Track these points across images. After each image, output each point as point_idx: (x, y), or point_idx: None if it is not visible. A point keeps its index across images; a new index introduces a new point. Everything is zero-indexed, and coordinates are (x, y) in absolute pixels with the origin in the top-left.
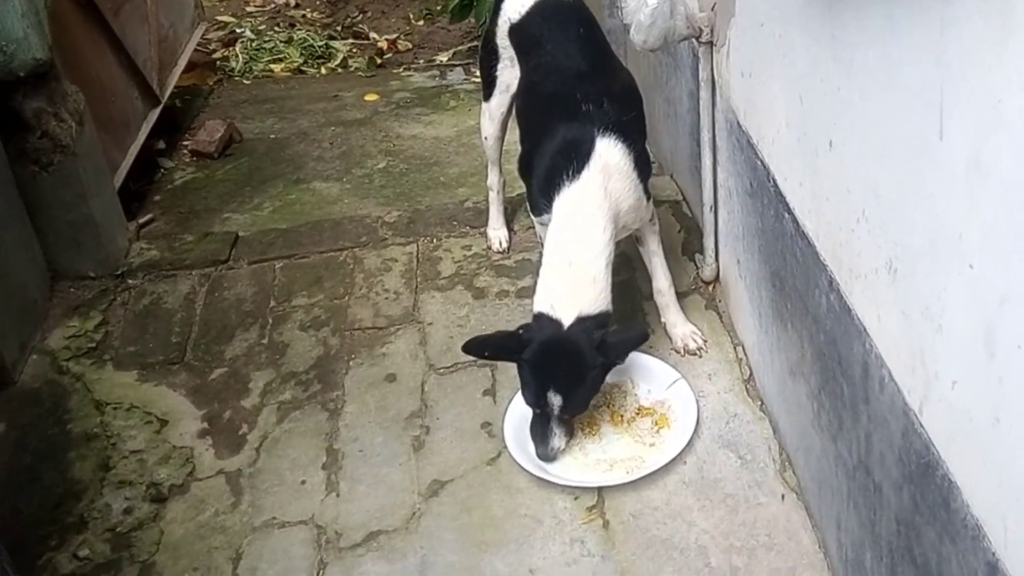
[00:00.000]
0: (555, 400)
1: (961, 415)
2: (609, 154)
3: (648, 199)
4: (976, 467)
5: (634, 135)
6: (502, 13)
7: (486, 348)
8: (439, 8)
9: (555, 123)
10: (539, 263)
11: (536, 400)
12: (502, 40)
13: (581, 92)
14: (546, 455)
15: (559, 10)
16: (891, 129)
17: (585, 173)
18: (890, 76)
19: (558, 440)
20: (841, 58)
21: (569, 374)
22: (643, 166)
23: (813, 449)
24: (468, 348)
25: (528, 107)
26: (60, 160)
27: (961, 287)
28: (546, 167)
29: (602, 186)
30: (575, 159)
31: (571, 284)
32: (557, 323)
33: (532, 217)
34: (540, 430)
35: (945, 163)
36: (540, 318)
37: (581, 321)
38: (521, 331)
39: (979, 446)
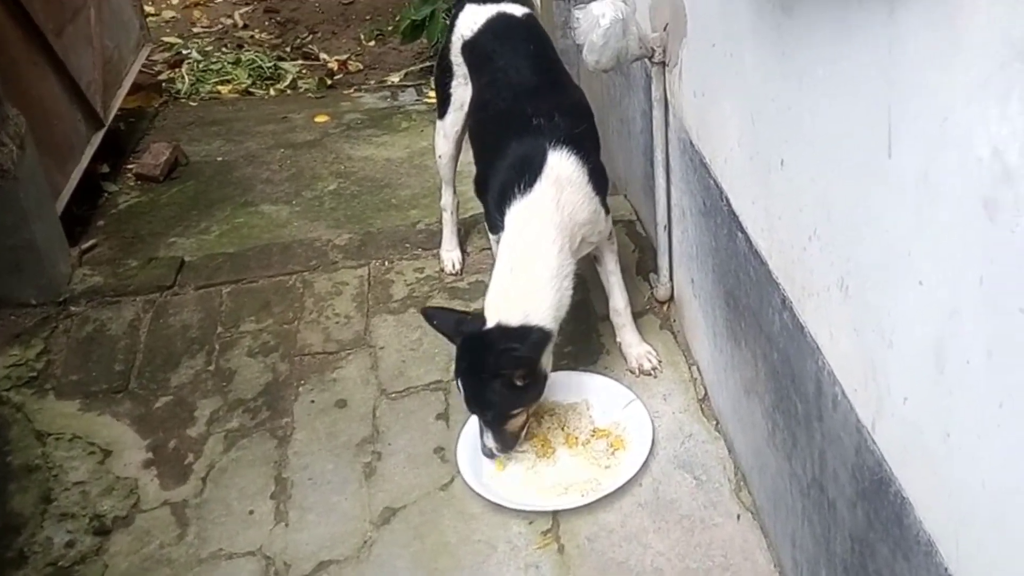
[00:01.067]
0: (460, 392)
1: (912, 430)
2: (561, 166)
3: (606, 213)
4: (928, 482)
5: (587, 148)
6: (456, 30)
7: (437, 318)
8: (390, 29)
9: (507, 139)
10: None
11: (456, 386)
12: (456, 57)
13: (532, 107)
14: (483, 450)
15: (510, 27)
16: (841, 147)
17: (537, 186)
18: (840, 93)
19: (488, 440)
20: (791, 76)
21: (469, 372)
22: (598, 179)
23: (768, 468)
24: (425, 311)
25: (481, 124)
26: (0, 185)
27: (911, 303)
28: (500, 182)
29: (554, 199)
30: (527, 172)
31: (508, 292)
32: (482, 322)
33: (489, 236)
34: (479, 428)
35: (894, 180)
36: (479, 313)
37: (499, 328)
38: (469, 317)
39: (930, 461)
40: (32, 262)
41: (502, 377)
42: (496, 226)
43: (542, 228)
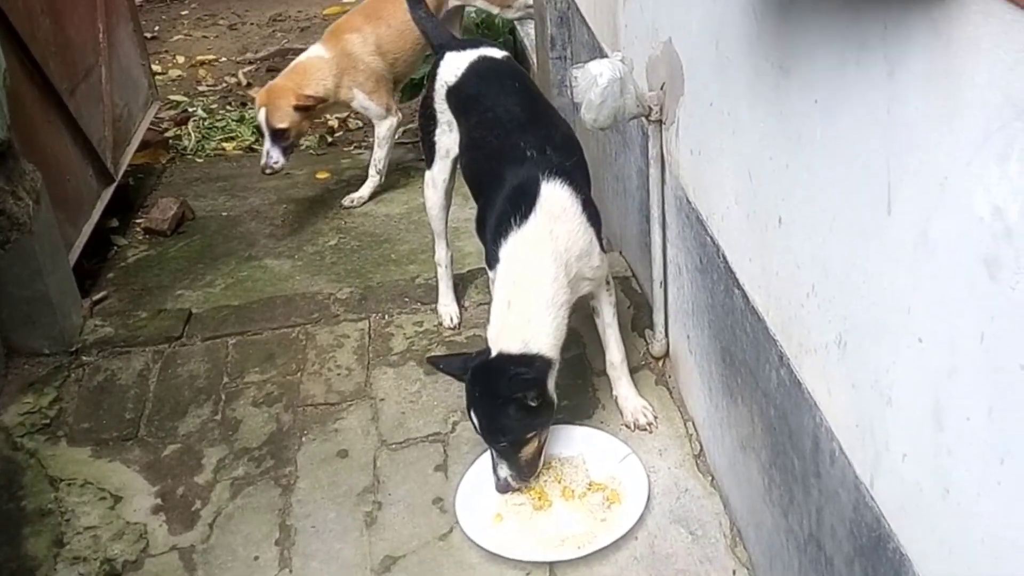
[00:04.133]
0: (475, 423)
1: (912, 487)
2: (555, 197)
3: (602, 251)
4: (927, 539)
5: (579, 180)
6: (439, 78)
7: (441, 363)
8: None
9: (501, 174)
10: None
11: (470, 420)
12: (440, 104)
13: (523, 141)
14: (496, 484)
15: (493, 68)
16: (839, 205)
17: (532, 217)
18: (838, 152)
19: (503, 470)
20: (789, 135)
21: (482, 401)
22: (591, 211)
23: (764, 523)
24: (431, 359)
25: (474, 163)
26: (17, 238)
27: (910, 360)
28: (496, 216)
29: (548, 229)
30: (522, 204)
31: (506, 321)
32: (487, 353)
33: (490, 275)
34: (492, 460)
35: (894, 238)
36: (483, 348)
37: (502, 357)
38: (472, 355)
39: (930, 518)
40: (45, 313)
41: (515, 400)
42: (493, 259)
43: (538, 258)
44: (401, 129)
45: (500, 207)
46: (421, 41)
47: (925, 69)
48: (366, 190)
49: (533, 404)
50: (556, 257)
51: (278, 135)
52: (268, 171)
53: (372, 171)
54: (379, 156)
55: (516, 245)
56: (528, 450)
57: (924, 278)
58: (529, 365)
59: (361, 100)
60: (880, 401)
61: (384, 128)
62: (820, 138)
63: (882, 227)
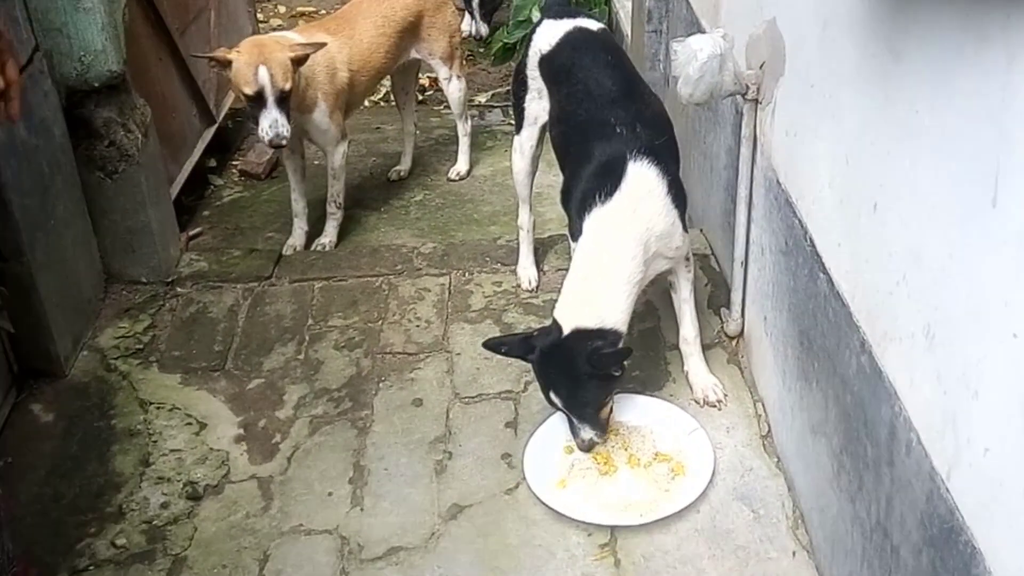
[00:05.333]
0: (558, 401)
1: (992, 482)
2: (641, 176)
3: (684, 231)
4: (1004, 534)
5: (667, 159)
6: (534, 44)
7: (504, 346)
8: (481, 51)
9: (589, 148)
10: None
11: (546, 399)
12: (532, 71)
13: (614, 117)
14: (582, 445)
15: (587, 40)
16: (941, 194)
17: (617, 194)
18: (945, 141)
19: (586, 432)
20: (893, 122)
21: (562, 379)
22: (677, 191)
23: (829, 508)
24: (488, 343)
25: (563, 135)
26: (124, 169)
27: (1003, 355)
28: (581, 190)
29: (632, 208)
30: (608, 181)
31: (581, 298)
32: (559, 330)
33: (571, 243)
34: (571, 427)
35: (996, 231)
36: (552, 324)
37: (577, 333)
38: (535, 334)
39: (1008, 513)
40: (146, 244)
41: (596, 376)
42: (576, 233)
43: (619, 236)
44: (491, 93)
45: (586, 182)
46: (385, 66)
47: None
48: (332, 231)
49: (616, 374)
50: (637, 236)
51: (284, 99)
52: (281, 143)
53: (332, 207)
54: (338, 189)
55: (599, 221)
56: (606, 409)
57: None
58: (604, 339)
59: (321, 114)
60: (966, 394)
61: (339, 156)
62: (927, 126)
63: (985, 219)
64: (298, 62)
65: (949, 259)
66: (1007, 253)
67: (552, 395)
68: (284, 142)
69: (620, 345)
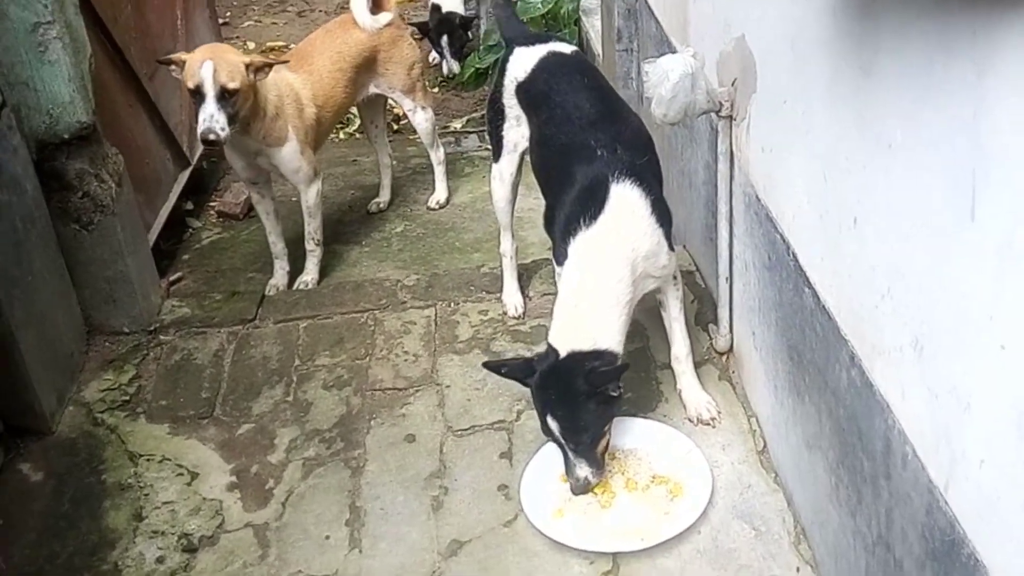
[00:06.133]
0: (555, 427)
1: (989, 494)
2: (625, 198)
3: (670, 249)
4: (1005, 547)
5: (649, 179)
6: (508, 73)
7: (504, 367)
8: (454, 76)
9: (571, 172)
10: None
11: (543, 427)
12: (508, 99)
13: (594, 139)
14: (576, 487)
15: (562, 64)
16: (919, 209)
17: (601, 217)
18: (920, 156)
19: (581, 470)
20: (868, 136)
21: (561, 402)
22: (661, 211)
23: (830, 523)
24: (488, 365)
25: (543, 160)
26: (100, 219)
27: (992, 367)
28: (565, 214)
29: (617, 229)
30: (591, 204)
31: (573, 321)
32: (555, 354)
33: (555, 268)
34: (566, 463)
35: (976, 244)
36: (547, 348)
37: (573, 355)
38: (535, 358)
39: (1008, 526)
40: (126, 293)
41: (597, 394)
42: (560, 256)
43: (606, 259)
44: (466, 118)
45: (569, 206)
46: (345, 101)
47: (1015, 74)
48: (313, 269)
49: (614, 394)
50: (624, 257)
51: (225, 96)
52: (211, 137)
53: (310, 245)
54: (315, 227)
55: (584, 245)
56: (603, 443)
57: (1008, 286)
58: (600, 359)
59: (292, 150)
60: (958, 407)
61: (313, 194)
62: (901, 141)
63: (964, 232)
64: (257, 70)
65: (932, 273)
66: (988, 266)
67: (549, 420)
68: (213, 138)
69: (612, 362)
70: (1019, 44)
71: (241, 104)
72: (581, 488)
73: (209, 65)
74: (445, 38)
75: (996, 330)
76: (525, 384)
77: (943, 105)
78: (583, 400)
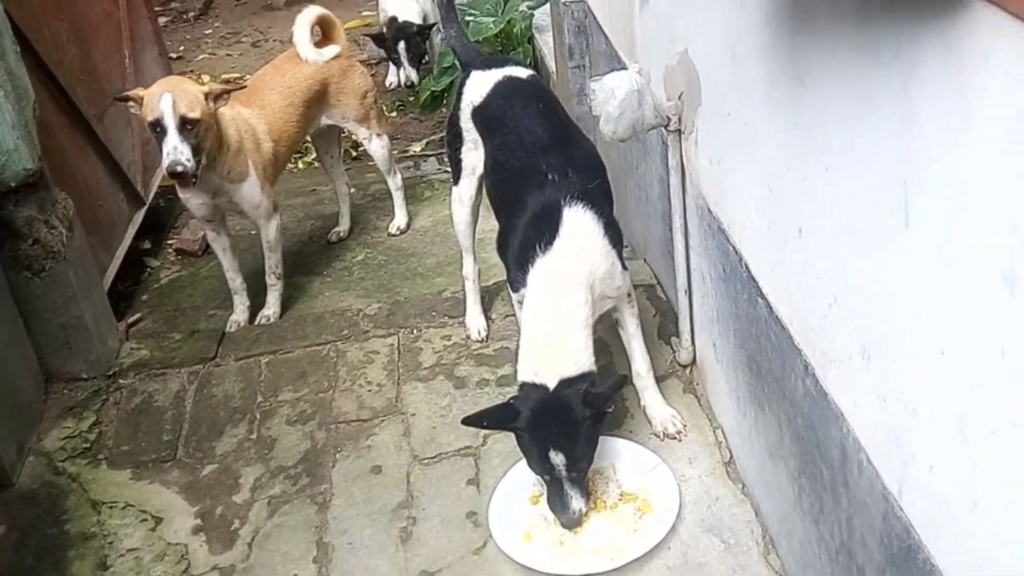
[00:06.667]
0: (558, 460)
1: (939, 499)
2: (578, 222)
3: (623, 269)
4: (957, 550)
5: (601, 202)
6: (464, 97)
7: (484, 419)
8: (411, 100)
9: (524, 197)
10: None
11: (541, 465)
12: (465, 123)
13: (546, 163)
14: (570, 520)
15: (517, 89)
16: (858, 217)
17: (556, 242)
18: (855, 164)
19: (576, 502)
20: (806, 146)
21: (564, 432)
22: (613, 232)
23: (796, 532)
24: (468, 421)
25: (497, 185)
26: (52, 266)
27: (933, 373)
28: (519, 241)
29: (573, 254)
30: (546, 230)
31: (551, 351)
32: (543, 388)
33: (512, 295)
34: (557, 497)
35: (912, 251)
36: (525, 387)
37: (564, 383)
38: (512, 401)
39: (958, 530)
40: (82, 338)
41: (596, 417)
42: (516, 282)
43: (566, 284)
44: (424, 141)
45: (524, 232)
46: (298, 134)
47: (938, 84)
48: (274, 303)
49: (609, 411)
50: (583, 280)
51: (187, 127)
52: (179, 169)
53: (271, 279)
54: (275, 261)
55: (544, 272)
56: (590, 467)
57: (943, 292)
58: (587, 381)
59: (252, 186)
60: (905, 412)
61: (273, 229)
62: (837, 150)
63: (901, 239)
64: (216, 98)
65: (874, 280)
66: (924, 273)
67: (552, 455)
68: (180, 170)
69: (595, 384)
70: (940, 54)
71: (203, 134)
72: (576, 521)
73: (168, 97)
74: (402, 44)
75: (934, 336)
76: (509, 429)
77: (873, 114)
78: (586, 426)
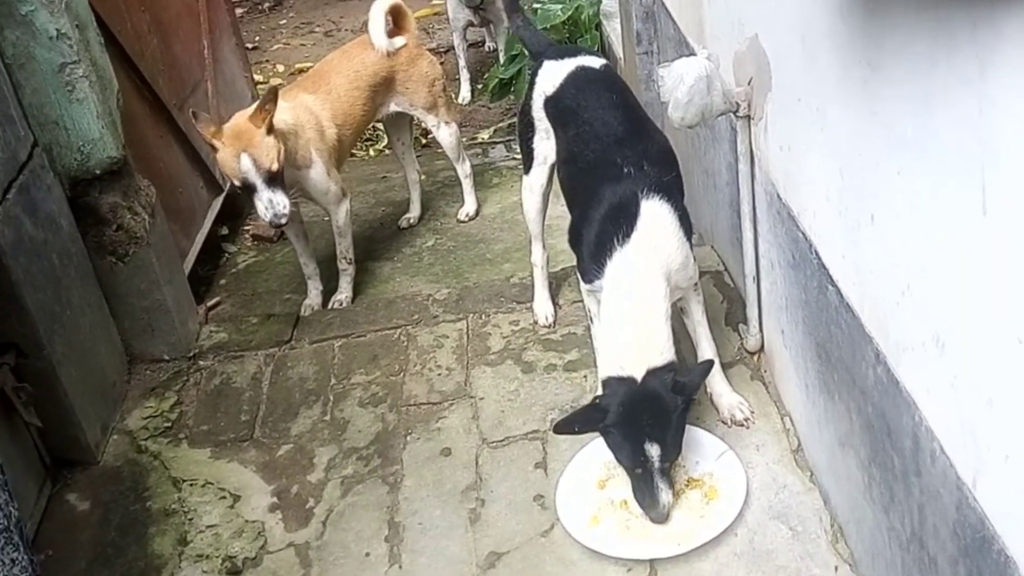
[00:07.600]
0: (653, 451)
1: (1016, 490)
2: (655, 215)
3: (694, 259)
4: None
5: (676, 195)
6: (537, 87)
7: (575, 423)
8: (480, 87)
9: (599, 189)
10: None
11: (635, 458)
12: (537, 113)
13: (621, 156)
14: (659, 515)
15: (591, 79)
16: (934, 204)
17: (635, 235)
18: (930, 151)
19: (665, 495)
20: (879, 133)
21: (657, 422)
22: (686, 224)
23: (865, 520)
24: (558, 429)
25: (571, 176)
26: (135, 251)
27: (1011, 362)
28: (595, 233)
29: (652, 247)
30: (623, 223)
31: (635, 344)
32: (630, 381)
33: (582, 285)
34: (647, 491)
35: (989, 239)
36: (611, 383)
37: (651, 373)
38: (598, 400)
39: None
40: (164, 321)
41: (682, 405)
42: (589, 274)
43: (646, 276)
44: (493, 128)
45: (600, 224)
46: (364, 120)
47: (1017, 68)
48: (346, 287)
49: (694, 397)
50: (662, 272)
51: (273, 178)
52: (282, 222)
53: (343, 264)
54: (346, 246)
55: (623, 265)
56: None
57: (1021, 280)
58: (673, 371)
59: (318, 172)
60: (980, 402)
61: (342, 214)
62: (912, 137)
63: (978, 227)
64: (270, 127)
65: (949, 268)
66: (1000, 261)
67: (648, 447)
68: (284, 220)
69: (676, 371)
70: (1018, 38)
71: (281, 166)
72: (665, 515)
73: (247, 159)
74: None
75: (1011, 324)
76: (600, 430)
77: (949, 101)
78: (677, 414)
